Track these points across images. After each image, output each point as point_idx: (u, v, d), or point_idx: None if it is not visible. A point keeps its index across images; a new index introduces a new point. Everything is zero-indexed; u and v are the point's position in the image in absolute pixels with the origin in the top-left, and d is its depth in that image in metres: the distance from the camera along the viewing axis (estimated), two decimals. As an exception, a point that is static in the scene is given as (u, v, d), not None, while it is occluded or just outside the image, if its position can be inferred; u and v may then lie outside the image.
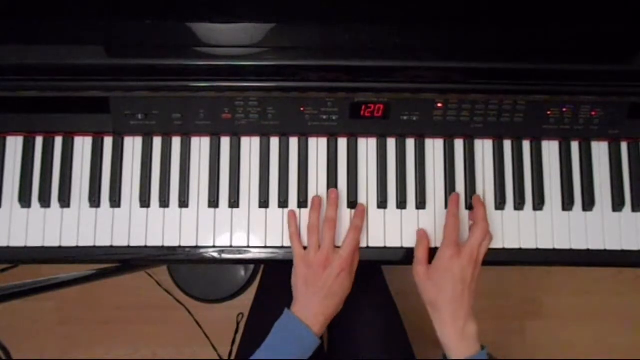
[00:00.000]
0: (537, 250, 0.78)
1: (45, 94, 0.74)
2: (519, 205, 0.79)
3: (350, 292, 0.75)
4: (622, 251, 0.79)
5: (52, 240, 0.77)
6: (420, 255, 0.74)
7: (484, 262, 0.74)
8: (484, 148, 0.80)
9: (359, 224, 0.76)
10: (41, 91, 0.73)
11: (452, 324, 0.69)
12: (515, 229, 0.78)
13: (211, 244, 0.77)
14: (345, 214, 0.78)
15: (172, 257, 0.78)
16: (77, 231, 0.77)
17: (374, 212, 0.78)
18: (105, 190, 0.78)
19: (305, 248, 0.75)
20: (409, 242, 0.78)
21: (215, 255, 0.77)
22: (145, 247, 0.77)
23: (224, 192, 0.78)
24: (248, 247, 0.78)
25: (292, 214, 0.77)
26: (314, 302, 0.72)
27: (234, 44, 0.70)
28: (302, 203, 0.78)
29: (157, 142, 0.79)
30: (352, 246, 0.73)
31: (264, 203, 0.78)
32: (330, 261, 0.72)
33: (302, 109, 0.77)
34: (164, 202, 0.78)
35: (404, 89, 0.73)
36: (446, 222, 0.75)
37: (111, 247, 0.77)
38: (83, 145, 0.79)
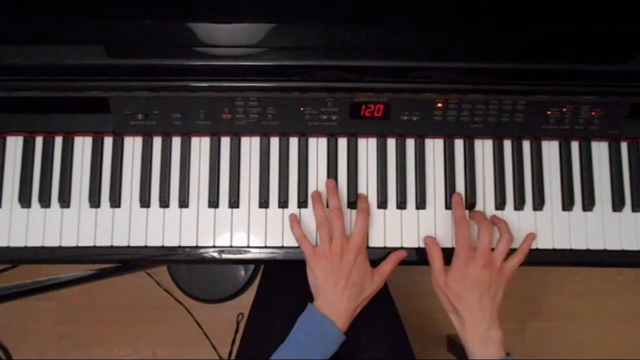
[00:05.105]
0: (537, 250, 0.78)
1: (45, 94, 0.73)
2: (519, 205, 0.79)
3: (378, 286, 0.74)
4: (622, 251, 0.79)
5: (52, 240, 0.77)
6: (437, 267, 0.73)
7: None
8: (484, 148, 0.80)
9: (365, 207, 0.75)
10: (41, 91, 0.73)
11: (474, 329, 0.69)
12: (515, 229, 0.78)
13: (211, 244, 0.77)
14: (347, 214, 0.78)
15: (172, 257, 0.78)
16: (77, 231, 0.77)
17: (374, 212, 0.78)
18: (105, 190, 0.78)
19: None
20: (409, 242, 0.78)
21: (215, 255, 0.77)
22: (145, 247, 0.77)
23: (224, 192, 0.78)
24: (248, 247, 0.78)
25: (293, 217, 0.77)
26: (337, 294, 0.70)
27: (234, 44, 0.70)
28: (302, 203, 0.78)
29: (157, 142, 0.79)
30: (364, 230, 0.73)
31: (264, 203, 0.78)
32: (345, 249, 0.72)
33: (302, 109, 0.77)
34: (164, 202, 0.78)
35: (404, 89, 0.73)
36: (455, 226, 0.75)
37: (111, 247, 0.77)
38: (83, 145, 0.79)
